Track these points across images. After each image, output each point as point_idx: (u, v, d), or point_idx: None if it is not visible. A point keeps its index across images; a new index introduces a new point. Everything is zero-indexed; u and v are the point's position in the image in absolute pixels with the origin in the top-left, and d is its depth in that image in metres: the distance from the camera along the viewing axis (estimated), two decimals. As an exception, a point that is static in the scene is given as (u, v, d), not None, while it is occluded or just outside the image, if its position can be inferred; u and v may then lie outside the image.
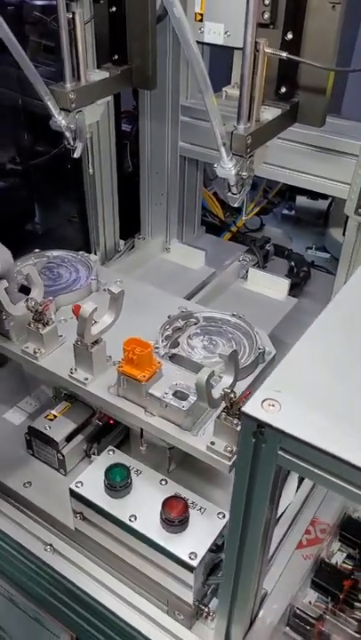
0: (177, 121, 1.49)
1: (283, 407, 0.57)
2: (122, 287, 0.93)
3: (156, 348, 1.02)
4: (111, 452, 0.97)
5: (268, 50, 0.92)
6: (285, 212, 2.05)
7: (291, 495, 1.02)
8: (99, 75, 1.18)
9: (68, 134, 1.17)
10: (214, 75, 1.31)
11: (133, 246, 1.67)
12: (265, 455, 0.59)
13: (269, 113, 1.01)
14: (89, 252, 1.65)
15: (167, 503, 0.86)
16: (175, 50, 1.40)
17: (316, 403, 0.58)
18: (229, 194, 1.04)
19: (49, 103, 1.10)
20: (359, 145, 1.17)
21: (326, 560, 0.84)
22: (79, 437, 1.08)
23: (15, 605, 1.13)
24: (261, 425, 0.57)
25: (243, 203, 1.08)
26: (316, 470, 0.56)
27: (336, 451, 0.53)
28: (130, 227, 1.72)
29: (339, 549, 0.87)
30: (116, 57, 1.23)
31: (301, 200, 1.99)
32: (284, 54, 0.94)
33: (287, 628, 0.78)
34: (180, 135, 1.51)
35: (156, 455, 1.02)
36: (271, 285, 1.39)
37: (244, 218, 1.22)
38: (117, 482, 0.89)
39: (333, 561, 0.84)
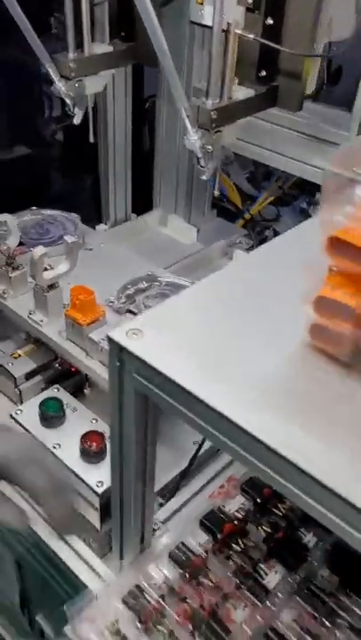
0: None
1: (145, 338, 0.64)
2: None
3: (111, 302, 1.10)
4: (56, 390, 1.05)
5: (237, 31, 0.98)
6: (304, 205, 2.08)
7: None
8: (102, 48, 1.27)
9: (68, 101, 1.26)
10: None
11: (144, 221, 1.75)
12: (126, 378, 0.65)
13: (242, 93, 1.06)
14: (100, 221, 1.75)
15: (86, 435, 0.93)
16: (190, 33, 1.46)
17: (179, 341, 0.64)
18: (198, 166, 1.10)
19: (50, 70, 1.20)
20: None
21: (221, 507, 0.89)
22: (38, 377, 1.17)
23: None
24: (122, 349, 0.63)
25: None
26: (165, 396, 0.62)
27: (178, 377, 0.60)
28: (148, 203, 1.80)
29: (242, 504, 0.92)
30: (123, 33, 1.31)
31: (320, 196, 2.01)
32: (251, 36, 0.99)
33: (169, 558, 0.85)
34: (191, 117, 1.57)
35: (101, 399, 1.10)
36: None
37: (210, 192, 1.25)
38: (49, 413, 0.98)
39: (227, 509, 0.89)
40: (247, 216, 2.00)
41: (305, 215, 2.08)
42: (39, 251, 0.95)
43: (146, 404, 0.69)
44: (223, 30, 0.96)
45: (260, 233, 1.67)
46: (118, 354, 0.64)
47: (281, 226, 1.95)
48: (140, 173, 1.74)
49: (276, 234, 1.72)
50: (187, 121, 1.01)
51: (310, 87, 1.25)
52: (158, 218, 1.66)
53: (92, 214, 1.77)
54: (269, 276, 0.74)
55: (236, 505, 0.90)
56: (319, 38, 1.09)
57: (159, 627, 0.76)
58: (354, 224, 0.55)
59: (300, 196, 2.12)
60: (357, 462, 0.52)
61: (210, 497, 0.96)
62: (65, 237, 0.98)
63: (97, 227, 1.71)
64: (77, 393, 1.18)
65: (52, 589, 1.08)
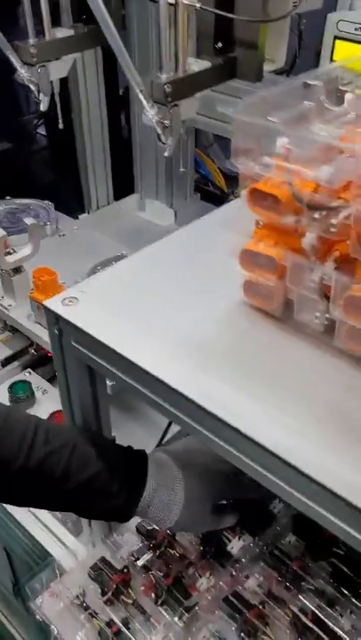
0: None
1: (79, 305, 0.64)
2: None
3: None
4: (27, 373, 1.06)
5: (185, 1, 0.97)
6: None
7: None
8: (63, 32, 1.26)
9: (33, 87, 1.26)
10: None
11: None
12: (66, 347, 0.65)
13: (197, 65, 1.05)
14: (83, 211, 1.75)
15: (53, 415, 0.94)
16: (156, 11, 1.44)
17: (114, 307, 0.64)
18: (160, 143, 1.09)
19: (10, 57, 1.20)
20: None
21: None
22: (15, 364, 1.18)
23: None
24: (59, 318, 0.63)
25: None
26: (102, 362, 0.62)
27: (112, 342, 0.59)
28: (130, 190, 1.80)
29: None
30: (85, 16, 1.31)
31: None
32: (198, 5, 0.98)
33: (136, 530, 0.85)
34: (166, 99, 1.56)
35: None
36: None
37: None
38: (17, 395, 0.98)
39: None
40: (232, 198, 1.99)
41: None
42: (-2, 233, 0.95)
43: (91, 369, 0.69)
44: (170, 4, 0.95)
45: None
46: (55, 322, 0.64)
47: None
48: (120, 160, 1.74)
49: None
50: (141, 96, 1.00)
51: (279, 60, 1.24)
52: (137, 202, 1.66)
53: (76, 204, 1.77)
54: (209, 243, 0.74)
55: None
56: (283, 8, 1.07)
57: (123, 597, 0.76)
58: (273, 174, 0.54)
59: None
60: (305, 430, 0.51)
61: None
62: (25, 219, 0.98)
63: (80, 216, 1.71)
64: (54, 377, 1.18)
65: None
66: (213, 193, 1.99)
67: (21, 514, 1.03)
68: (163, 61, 1.01)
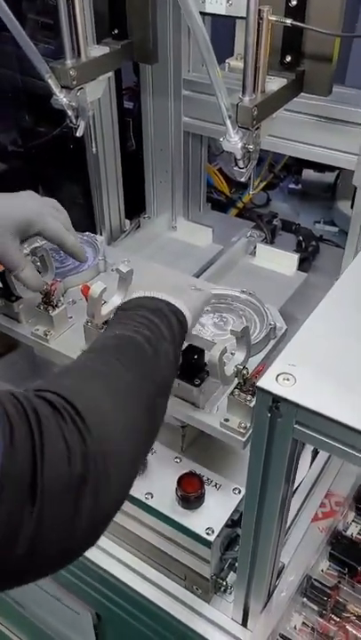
0: (180, 95, 1.46)
1: (298, 381, 0.57)
2: (130, 266, 0.92)
3: (167, 326, 1.01)
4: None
5: (271, 17, 0.89)
6: (292, 186, 2.02)
7: (305, 468, 1.02)
8: (99, 50, 1.16)
9: (70, 112, 1.15)
10: (216, 47, 1.29)
11: (139, 226, 1.66)
12: (281, 429, 0.58)
13: (275, 83, 0.99)
14: (94, 232, 1.64)
15: (182, 480, 0.86)
16: (175, 21, 1.35)
17: (331, 375, 0.58)
18: (236, 168, 1.02)
19: (50, 81, 1.08)
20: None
21: (343, 532, 0.84)
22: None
23: (35, 584, 1.15)
24: (277, 399, 0.56)
25: (250, 178, 1.07)
26: (332, 442, 0.55)
27: (352, 421, 0.53)
28: (135, 206, 1.71)
29: (353, 521, 0.87)
30: (116, 31, 1.20)
31: (308, 173, 1.96)
32: (289, 21, 0.91)
33: (305, 599, 0.79)
34: (184, 110, 1.48)
35: (169, 434, 1.02)
36: (280, 261, 1.37)
37: (251, 193, 1.18)
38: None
39: (349, 533, 0.84)
40: (240, 205, 1.93)
41: (295, 195, 2.03)
42: (98, 287, 0.85)
43: (295, 449, 0.62)
44: (260, 18, 0.88)
45: (268, 222, 1.61)
46: (270, 405, 0.57)
47: (273, 209, 1.89)
48: (126, 175, 1.64)
49: (283, 222, 1.65)
50: (228, 122, 0.92)
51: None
52: (166, 222, 1.57)
53: (85, 225, 1.66)
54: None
55: (354, 525, 0.85)
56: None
57: None
58: None
59: (286, 177, 2.07)
60: None
61: (314, 520, 0.90)
62: (120, 267, 0.88)
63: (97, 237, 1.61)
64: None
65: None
66: (217, 200, 1.92)
67: (135, 581, 0.95)
68: (246, 82, 0.93)
